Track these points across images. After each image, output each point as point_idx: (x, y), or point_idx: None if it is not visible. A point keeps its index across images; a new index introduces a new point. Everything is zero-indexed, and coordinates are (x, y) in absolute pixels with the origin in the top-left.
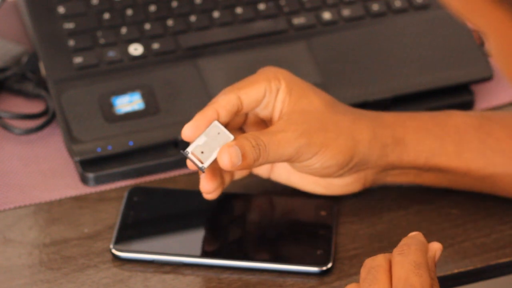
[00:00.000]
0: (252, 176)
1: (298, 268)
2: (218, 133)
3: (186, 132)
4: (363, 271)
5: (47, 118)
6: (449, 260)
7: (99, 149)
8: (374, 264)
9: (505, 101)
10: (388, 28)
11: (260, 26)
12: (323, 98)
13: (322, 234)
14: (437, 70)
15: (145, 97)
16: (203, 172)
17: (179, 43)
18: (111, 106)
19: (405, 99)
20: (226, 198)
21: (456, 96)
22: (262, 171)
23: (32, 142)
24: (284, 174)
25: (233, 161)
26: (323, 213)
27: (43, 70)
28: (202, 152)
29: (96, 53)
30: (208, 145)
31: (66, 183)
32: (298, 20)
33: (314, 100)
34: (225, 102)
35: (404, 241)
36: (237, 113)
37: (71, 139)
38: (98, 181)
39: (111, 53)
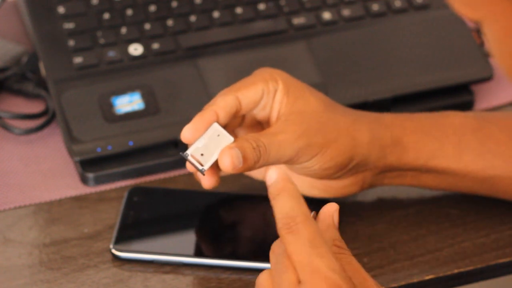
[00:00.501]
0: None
1: None
2: (218, 135)
3: (186, 135)
4: (272, 257)
5: (47, 118)
6: (449, 260)
7: (99, 149)
8: (281, 250)
9: (505, 101)
10: (388, 28)
11: (260, 26)
12: (320, 99)
13: None
14: (437, 70)
15: (145, 97)
16: (203, 174)
17: (179, 43)
18: (111, 106)
19: (405, 99)
20: (226, 198)
21: (456, 96)
22: (256, 173)
23: (32, 142)
24: None
25: (234, 164)
26: None
27: (43, 70)
28: (201, 155)
29: (96, 53)
30: (208, 147)
31: (66, 183)
32: (298, 20)
33: (312, 101)
34: (223, 103)
35: (281, 205)
36: (235, 114)
37: (71, 139)
38: (98, 181)
39: (111, 53)
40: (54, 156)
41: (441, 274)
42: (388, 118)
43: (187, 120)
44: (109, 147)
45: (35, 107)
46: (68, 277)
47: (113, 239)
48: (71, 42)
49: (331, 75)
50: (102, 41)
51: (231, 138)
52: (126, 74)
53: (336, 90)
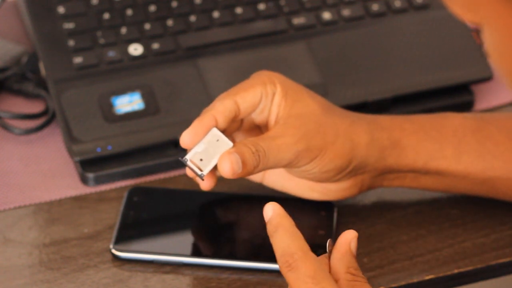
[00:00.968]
0: None
1: None
2: (217, 140)
3: (185, 140)
4: None
5: (47, 118)
6: (449, 260)
7: (99, 149)
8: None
9: (505, 101)
10: (388, 28)
11: (260, 26)
12: (318, 101)
13: (322, 234)
14: (437, 70)
15: (145, 97)
16: (202, 179)
17: (179, 43)
18: (111, 106)
19: (405, 99)
20: (226, 198)
21: (456, 96)
22: (254, 176)
23: (32, 142)
24: (279, 181)
25: (234, 169)
26: (323, 213)
27: (43, 70)
28: (201, 160)
29: (96, 53)
30: (207, 152)
31: (66, 183)
32: (298, 20)
33: (310, 103)
34: (222, 108)
35: (278, 243)
36: (234, 118)
37: (71, 139)
38: (98, 181)
39: (111, 53)
40: (54, 156)
41: (441, 274)
42: (386, 120)
43: (187, 120)
44: (109, 147)
45: (35, 107)
46: (68, 277)
47: (113, 239)
48: (71, 42)
49: (331, 75)
50: (102, 41)
51: (230, 143)
52: (126, 74)
53: (336, 90)
